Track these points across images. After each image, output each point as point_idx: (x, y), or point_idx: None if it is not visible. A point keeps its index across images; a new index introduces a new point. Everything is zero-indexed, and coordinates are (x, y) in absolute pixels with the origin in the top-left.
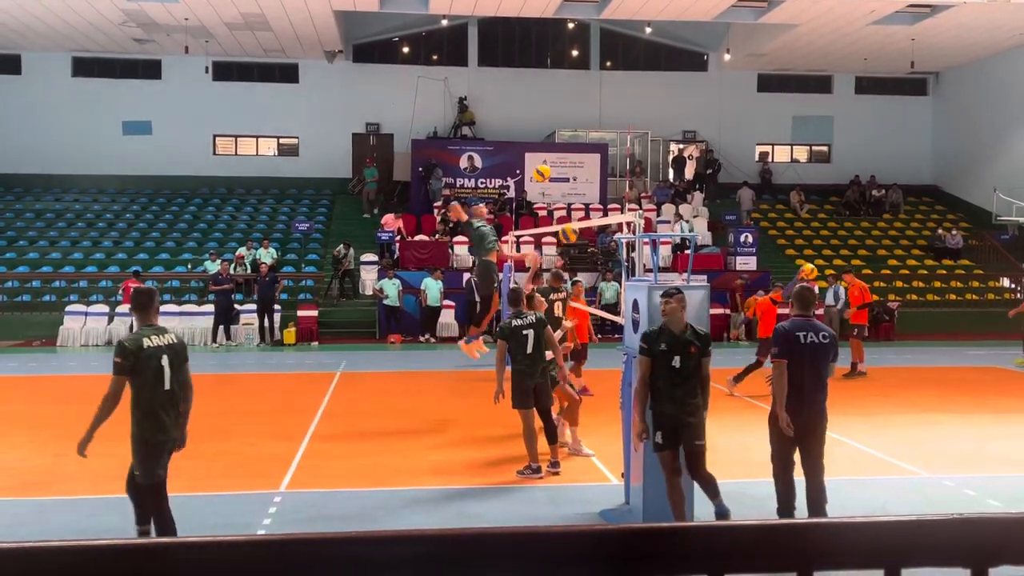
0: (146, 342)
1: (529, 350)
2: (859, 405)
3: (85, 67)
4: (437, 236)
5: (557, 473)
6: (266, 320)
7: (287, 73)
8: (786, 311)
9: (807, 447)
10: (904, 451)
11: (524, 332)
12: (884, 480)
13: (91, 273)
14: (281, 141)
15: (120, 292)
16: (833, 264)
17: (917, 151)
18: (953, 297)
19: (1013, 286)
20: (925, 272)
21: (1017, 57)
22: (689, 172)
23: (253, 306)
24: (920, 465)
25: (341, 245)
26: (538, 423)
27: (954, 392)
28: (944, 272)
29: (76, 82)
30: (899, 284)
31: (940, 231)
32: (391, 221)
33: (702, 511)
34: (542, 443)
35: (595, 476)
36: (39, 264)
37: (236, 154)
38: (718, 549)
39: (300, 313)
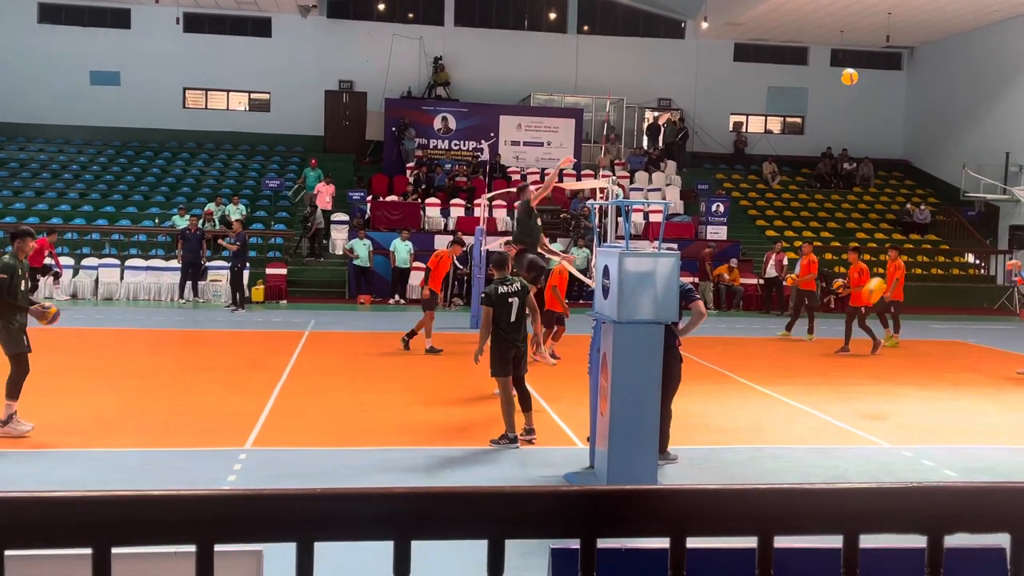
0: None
1: (513, 318)
2: (823, 376)
3: (52, 13)
4: (409, 197)
5: (532, 441)
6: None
7: (259, 27)
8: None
9: None
10: (866, 422)
11: (510, 300)
12: (845, 449)
13: (56, 225)
14: (252, 96)
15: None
16: (802, 236)
17: (889, 125)
18: (919, 271)
19: (978, 262)
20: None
21: (991, 34)
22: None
23: (221, 262)
24: (880, 435)
25: (308, 207)
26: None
27: (916, 365)
28: (911, 247)
29: (42, 29)
30: (867, 257)
31: (909, 206)
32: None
33: (665, 477)
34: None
35: (561, 440)
36: (3, 214)
37: (206, 108)
38: (680, 512)
39: (269, 271)
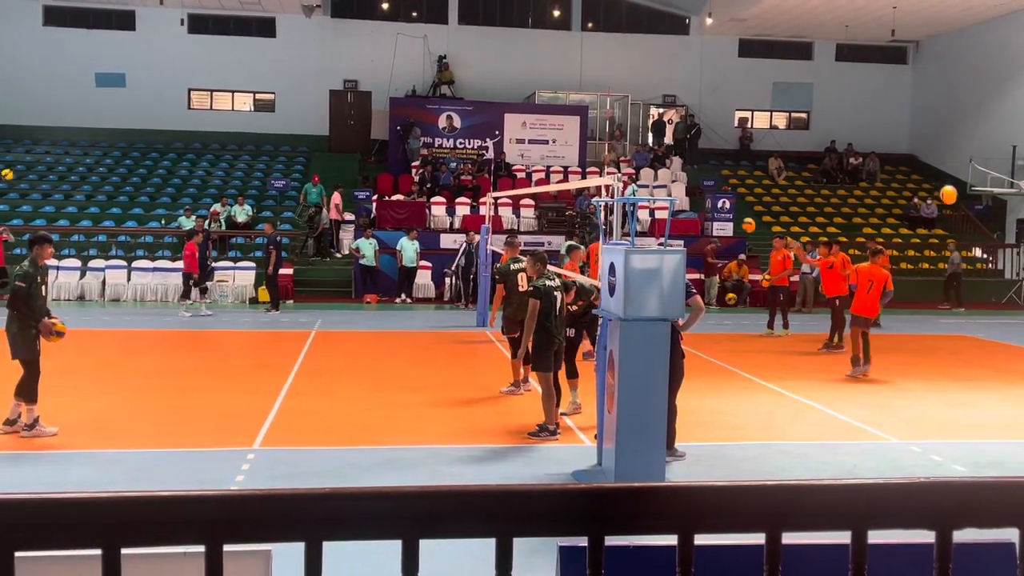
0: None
1: (557, 311)
2: (830, 372)
3: (57, 16)
4: (415, 196)
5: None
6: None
7: (264, 27)
8: None
9: None
10: (874, 417)
11: (555, 293)
12: (853, 445)
13: (63, 227)
14: (257, 96)
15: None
16: (809, 231)
17: (895, 120)
18: (926, 266)
19: (985, 256)
20: (899, 241)
21: (996, 27)
22: (668, 136)
23: (228, 263)
24: (889, 431)
25: (312, 207)
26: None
27: (924, 360)
28: (918, 241)
29: (47, 31)
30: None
31: (915, 200)
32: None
33: (672, 474)
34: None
35: (569, 438)
36: (9, 217)
37: (211, 109)
38: (687, 509)
39: None
